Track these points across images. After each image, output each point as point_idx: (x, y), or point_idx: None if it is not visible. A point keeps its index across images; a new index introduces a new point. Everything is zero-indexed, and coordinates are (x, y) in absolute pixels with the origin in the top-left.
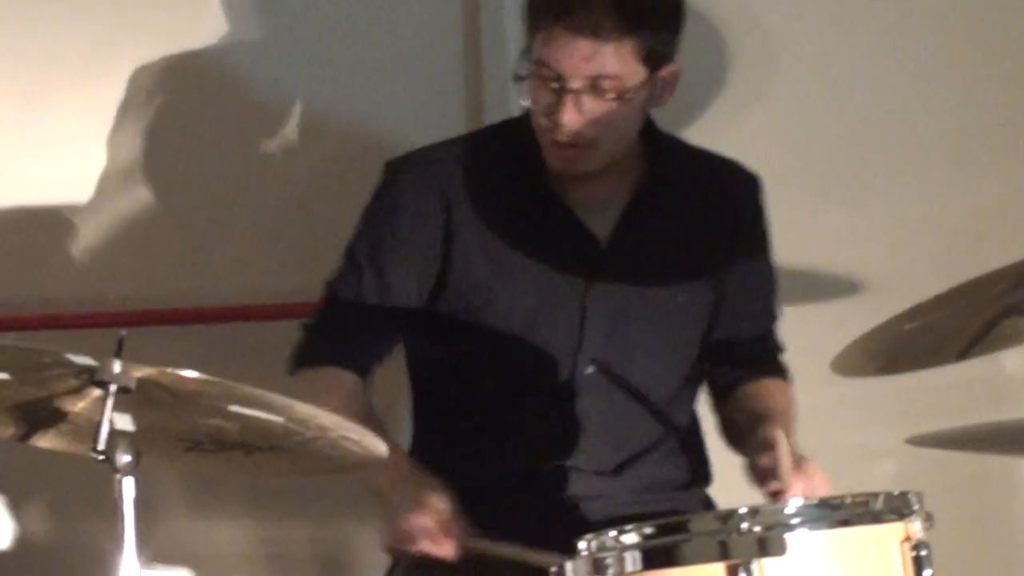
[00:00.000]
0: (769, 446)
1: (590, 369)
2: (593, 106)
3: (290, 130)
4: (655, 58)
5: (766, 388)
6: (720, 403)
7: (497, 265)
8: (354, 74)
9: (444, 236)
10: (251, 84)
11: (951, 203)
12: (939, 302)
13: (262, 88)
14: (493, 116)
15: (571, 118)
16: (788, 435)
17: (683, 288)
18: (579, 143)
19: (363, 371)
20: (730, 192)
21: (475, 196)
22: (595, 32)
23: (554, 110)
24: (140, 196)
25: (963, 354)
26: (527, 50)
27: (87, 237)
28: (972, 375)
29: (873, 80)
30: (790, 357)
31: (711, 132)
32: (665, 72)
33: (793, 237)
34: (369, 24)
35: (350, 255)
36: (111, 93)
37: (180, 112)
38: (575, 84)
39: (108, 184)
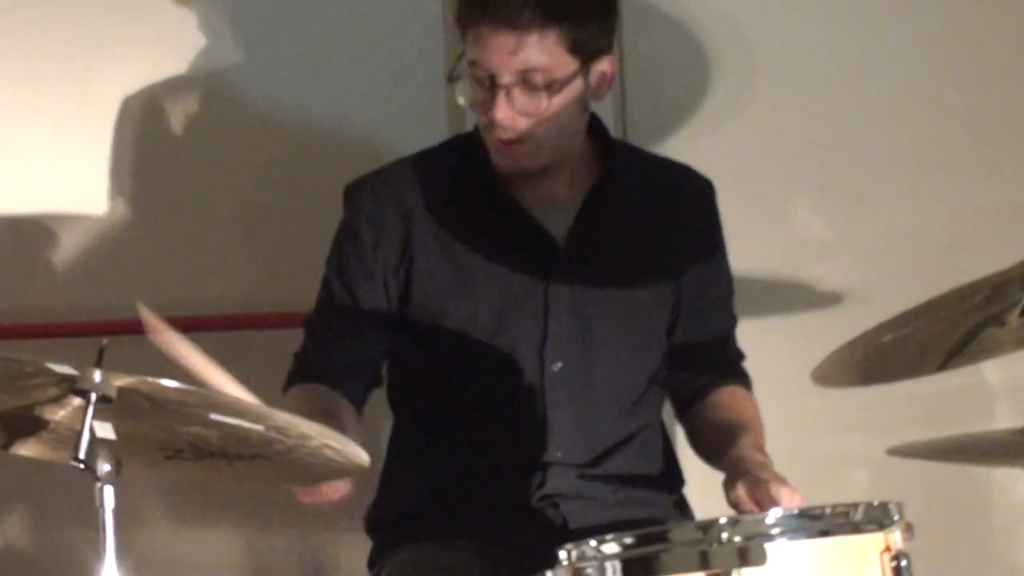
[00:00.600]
0: (755, 488)
1: (557, 365)
2: (525, 101)
3: (274, 140)
4: (585, 49)
5: (732, 397)
6: (685, 413)
7: (458, 271)
8: (336, 84)
9: (405, 248)
10: (235, 93)
11: (931, 214)
12: (919, 313)
13: (246, 98)
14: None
15: (504, 113)
16: (758, 448)
17: (642, 284)
18: (519, 139)
19: (343, 386)
20: (684, 194)
21: (432, 206)
22: (515, 24)
23: (489, 108)
24: (122, 205)
25: (943, 365)
26: (463, 54)
27: (68, 246)
28: (952, 386)
29: (854, 90)
30: (771, 367)
31: (693, 141)
32: (601, 64)
33: (774, 247)
34: (353, 36)
35: (324, 281)
36: (94, 101)
37: (163, 123)
38: (504, 79)
39: (90, 193)
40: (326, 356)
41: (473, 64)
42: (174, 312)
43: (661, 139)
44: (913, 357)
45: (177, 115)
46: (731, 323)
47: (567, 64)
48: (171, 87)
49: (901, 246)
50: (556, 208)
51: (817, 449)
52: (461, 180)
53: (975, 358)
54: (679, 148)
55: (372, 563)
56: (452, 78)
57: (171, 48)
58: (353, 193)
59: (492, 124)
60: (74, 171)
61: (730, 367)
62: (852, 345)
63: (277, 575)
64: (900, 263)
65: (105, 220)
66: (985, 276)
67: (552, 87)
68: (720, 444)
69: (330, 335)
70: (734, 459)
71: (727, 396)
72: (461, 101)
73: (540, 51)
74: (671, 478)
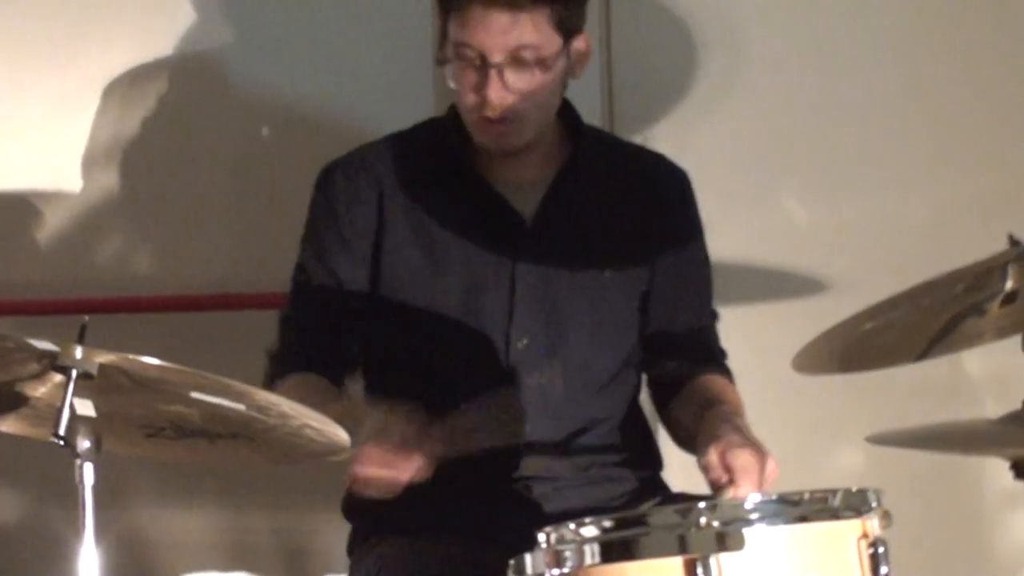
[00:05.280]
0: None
1: (523, 342)
2: (516, 79)
3: (259, 121)
4: (567, 26)
5: (712, 383)
6: (664, 403)
7: (427, 250)
8: (323, 67)
9: (378, 226)
10: (220, 74)
11: (913, 203)
12: (899, 301)
13: (230, 78)
14: None
15: (497, 93)
16: (737, 417)
17: (610, 266)
18: (508, 117)
19: (331, 374)
20: (656, 181)
21: (405, 185)
22: (510, 4)
23: (481, 87)
24: (106, 184)
25: (923, 354)
26: (443, 34)
27: (52, 224)
28: (932, 374)
29: (839, 81)
30: (752, 355)
31: (678, 130)
32: (579, 42)
33: (756, 235)
34: (339, 17)
35: (300, 267)
36: (80, 80)
37: (148, 102)
38: (497, 58)
39: (74, 171)
40: (313, 343)
41: (462, 45)
42: (154, 291)
43: (647, 128)
44: (893, 346)
45: (160, 94)
46: (709, 315)
47: (554, 41)
48: (155, 66)
49: (883, 235)
50: (526, 188)
51: (797, 436)
52: (433, 160)
53: (955, 347)
54: (665, 137)
55: (351, 549)
56: (440, 61)
57: (155, 27)
58: (327, 174)
59: (483, 104)
60: (56, 149)
61: (711, 359)
62: (832, 333)
63: (257, 554)
64: (881, 252)
65: (87, 198)
66: (966, 265)
67: (542, 64)
68: (697, 420)
69: (314, 321)
70: (709, 426)
71: (707, 381)
72: (452, 85)
73: (532, 28)
74: (646, 458)
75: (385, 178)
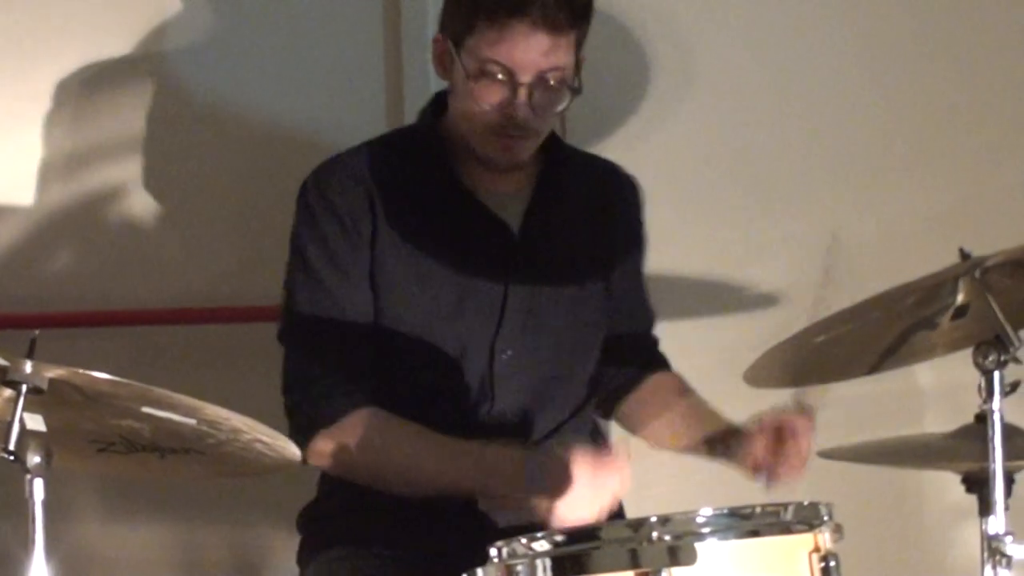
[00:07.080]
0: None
1: (507, 354)
2: (541, 98)
3: (210, 133)
4: (580, 44)
5: (671, 378)
6: (613, 406)
7: (415, 265)
8: (275, 75)
9: (372, 231)
10: (171, 86)
11: (865, 216)
12: (850, 315)
13: (182, 90)
14: (413, 115)
15: (526, 112)
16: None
17: (584, 276)
18: (525, 135)
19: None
20: (615, 191)
21: (391, 194)
22: (554, 27)
23: (507, 106)
24: (56, 197)
25: (874, 367)
26: (457, 43)
27: (1, 237)
28: (883, 388)
29: (788, 94)
30: (704, 367)
31: (630, 142)
32: (579, 59)
33: (708, 248)
34: (291, 25)
35: (308, 273)
36: (33, 92)
37: (99, 114)
38: (527, 78)
39: (24, 184)
40: (346, 367)
41: (490, 62)
42: (105, 305)
43: (599, 140)
44: (845, 359)
45: (111, 106)
46: (653, 318)
47: (572, 61)
48: (105, 78)
49: (834, 248)
50: (508, 200)
51: None
52: (418, 170)
53: (906, 361)
54: (616, 149)
55: (300, 559)
56: (470, 77)
57: (106, 39)
58: (319, 177)
59: (506, 122)
60: (5, 161)
61: (653, 356)
62: (784, 346)
63: (208, 570)
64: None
65: (37, 211)
66: (917, 279)
67: (563, 84)
68: (669, 408)
69: (341, 337)
70: (707, 416)
71: (668, 378)
72: (471, 102)
73: (564, 51)
74: None
75: (373, 184)
